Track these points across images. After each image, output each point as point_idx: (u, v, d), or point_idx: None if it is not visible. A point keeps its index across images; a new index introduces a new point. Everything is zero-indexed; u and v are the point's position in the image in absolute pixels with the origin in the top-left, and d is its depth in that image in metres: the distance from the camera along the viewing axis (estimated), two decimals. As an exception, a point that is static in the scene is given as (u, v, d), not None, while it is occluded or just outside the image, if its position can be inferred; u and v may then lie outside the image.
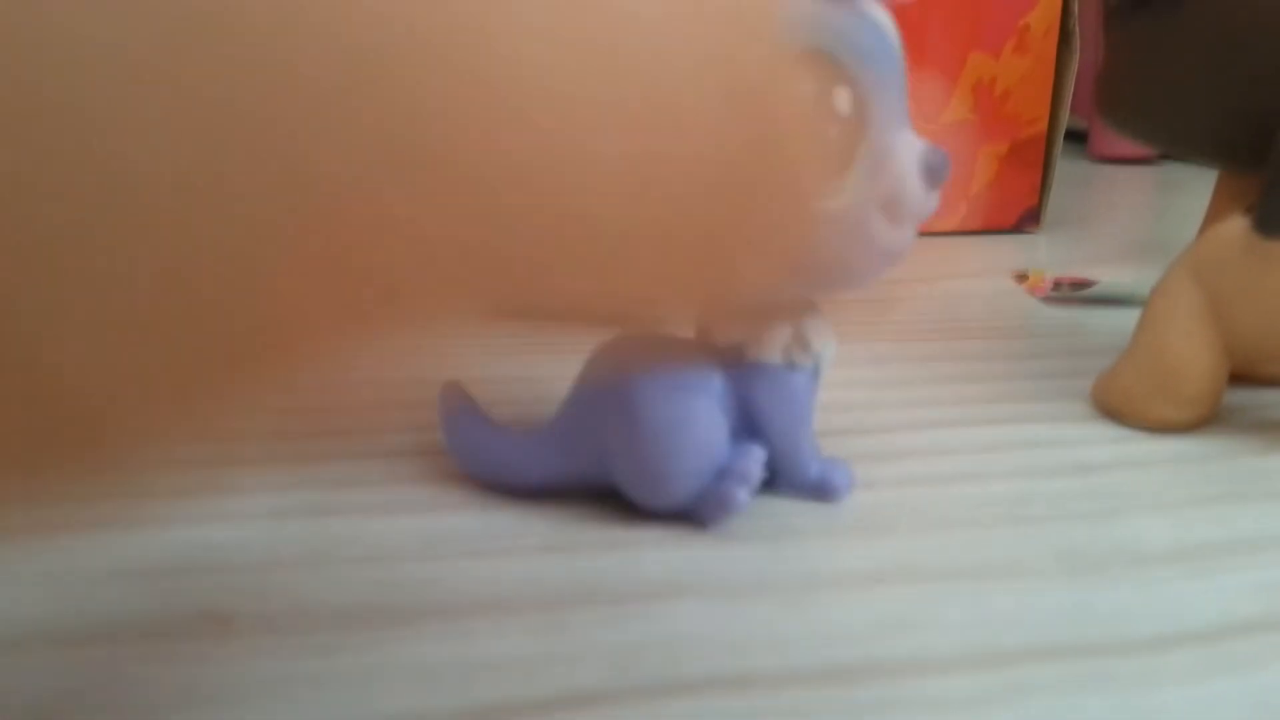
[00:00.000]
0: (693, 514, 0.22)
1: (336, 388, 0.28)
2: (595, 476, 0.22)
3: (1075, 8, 0.51)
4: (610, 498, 0.22)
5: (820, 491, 0.23)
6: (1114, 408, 0.27)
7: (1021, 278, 0.43)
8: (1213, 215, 0.30)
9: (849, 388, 0.30)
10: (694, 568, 0.20)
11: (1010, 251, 0.49)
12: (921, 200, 0.20)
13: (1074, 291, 0.40)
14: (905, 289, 0.42)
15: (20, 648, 0.18)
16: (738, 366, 0.22)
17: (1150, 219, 0.60)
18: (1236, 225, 0.25)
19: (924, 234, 0.52)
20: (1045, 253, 0.49)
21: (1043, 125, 0.52)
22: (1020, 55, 0.51)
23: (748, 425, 0.22)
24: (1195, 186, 0.66)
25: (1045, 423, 0.28)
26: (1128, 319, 0.34)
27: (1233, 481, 0.24)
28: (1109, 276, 0.42)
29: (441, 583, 0.20)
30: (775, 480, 0.23)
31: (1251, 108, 0.25)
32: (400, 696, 0.16)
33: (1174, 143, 0.28)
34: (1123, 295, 0.39)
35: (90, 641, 0.18)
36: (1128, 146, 0.75)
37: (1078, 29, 0.51)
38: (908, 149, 0.20)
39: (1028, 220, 0.53)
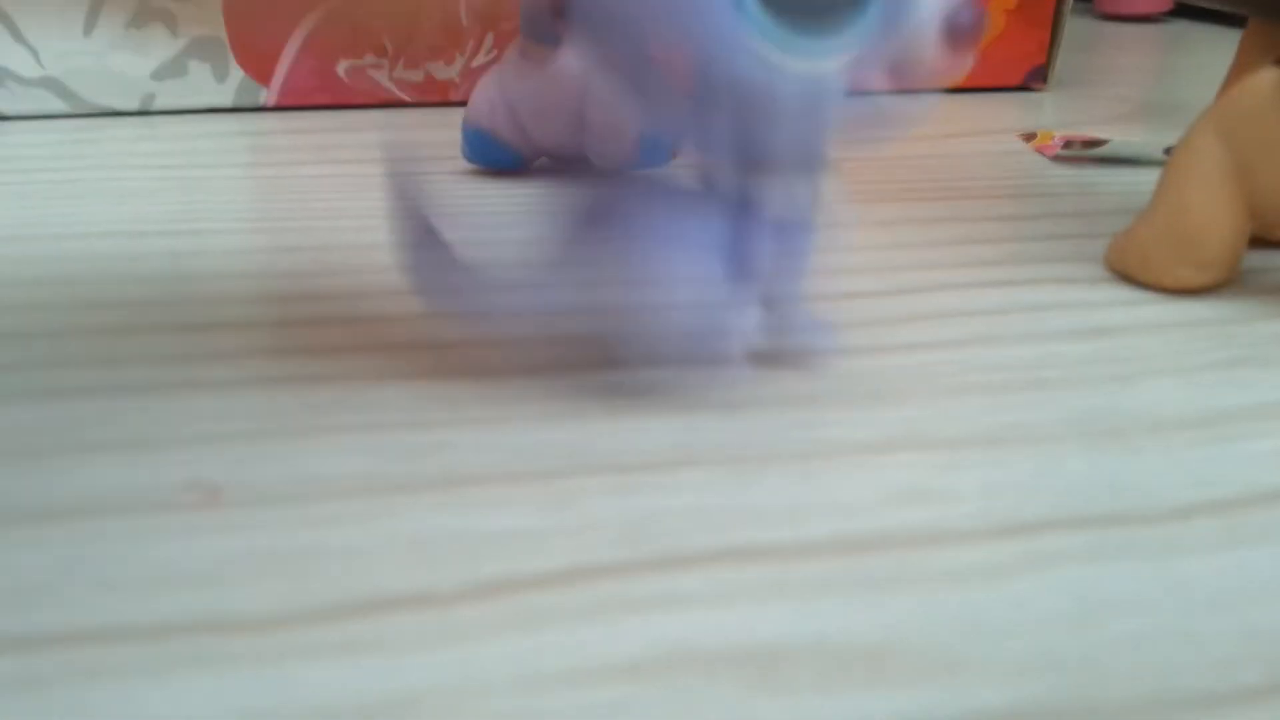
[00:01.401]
0: (686, 350, 0.21)
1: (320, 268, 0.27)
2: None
3: None
4: (610, 368, 0.21)
5: (808, 345, 0.22)
6: (1130, 269, 0.26)
7: (1029, 137, 0.41)
8: (1239, 68, 0.28)
9: (856, 251, 0.29)
10: (701, 438, 0.20)
11: (1017, 109, 0.48)
12: (938, 63, 0.19)
13: (1084, 150, 0.38)
14: (909, 147, 0.40)
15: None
16: (739, 217, 0.20)
17: (1159, 77, 0.58)
18: (1268, 76, 0.24)
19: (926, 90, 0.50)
20: (1053, 111, 0.48)
21: (1052, -23, 0.50)
22: (1031, -98, 0.49)
23: (744, 273, 0.21)
24: (1203, 45, 0.64)
25: (1058, 285, 0.27)
26: (1140, 179, 0.33)
27: (1253, 345, 0.23)
28: (1119, 135, 0.40)
29: (439, 453, 0.19)
30: (768, 324, 0.22)
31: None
32: (402, 572, 0.16)
33: None
34: (1134, 154, 0.37)
35: (73, 515, 0.17)
36: (1136, 3, 0.73)
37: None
38: (933, 6, 0.18)
39: (1034, 78, 0.51)
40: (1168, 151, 0.26)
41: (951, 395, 0.21)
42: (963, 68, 0.19)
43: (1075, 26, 0.70)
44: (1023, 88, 0.52)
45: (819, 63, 0.18)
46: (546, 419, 0.20)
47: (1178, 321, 0.25)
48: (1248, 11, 0.27)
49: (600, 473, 0.18)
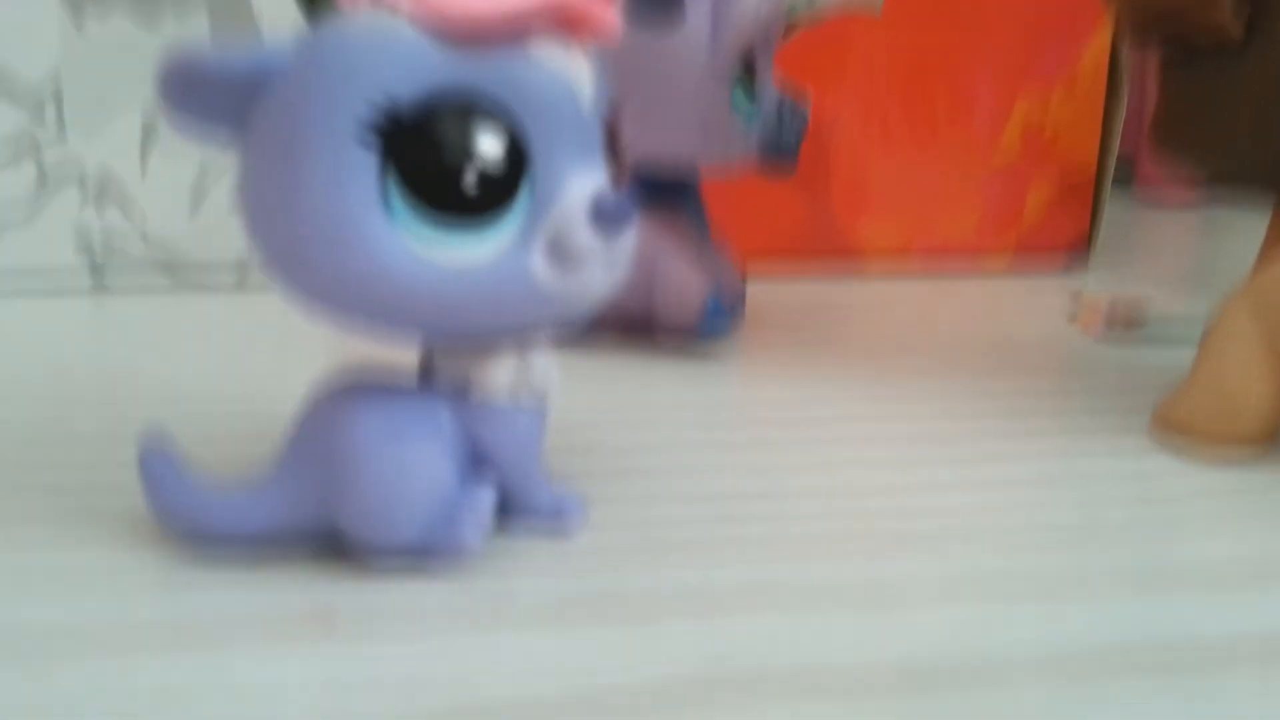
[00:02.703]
0: (425, 556, 0.21)
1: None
2: (317, 523, 0.21)
3: (1123, 53, 0.51)
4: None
5: (554, 519, 0.23)
6: (1174, 440, 0.28)
7: (1076, 298, 0.43)
8: (1267, 251, 0.30)
9: (910, 420, 0.31)
10: (771, 579, 0.21)
11: (1060, 290, 0.50)
12: (594, 247, 0.19)
13: (1127, 331, 0.40)
14: (958, 325, 0.42)
15: None
16: (461, 404, 0.21)
17: (1198, 259, 0.60)
18: (1294, 260, 0.26)
19: (974, 273, 0.53)
20: (1094, 291, 0.50)
21: (1091, 167, 0.53)
22: (1069, 98, 0.52)
23: (477, 460, 0.22)
24: (1240, 228, 0.67)
25: (1105, 456, 0.28)
26: (1182, 356, 0.35)
27: (1294, 509, 0.25)
28: (1159, 311, 0.42)
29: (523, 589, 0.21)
30: (508, 512, 0.23)
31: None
32: (508, 683, 0.17)
33: (1233, 181, 0.28)
34: (1175, 334, 0.39)
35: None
36: (1173, 189, 0.76)
37: (1126, 73, 0.52)
38: (577, 192, 0.19)
39: (1077, 260, 0.54)
40: (1207, 327, 0.28)
41: (1005, 552, 0.23)
42: (621, 251, 0.20)
43: (1116, 210, 0.73)
44: (1065, 269, 0.54)
45: (473, 251, 0.19)
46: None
47: (1221, 488, 0.26)
48: (1265, 201, 0.29)
49: (678, 612, 0.20)
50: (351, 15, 0.19)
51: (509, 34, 0.19)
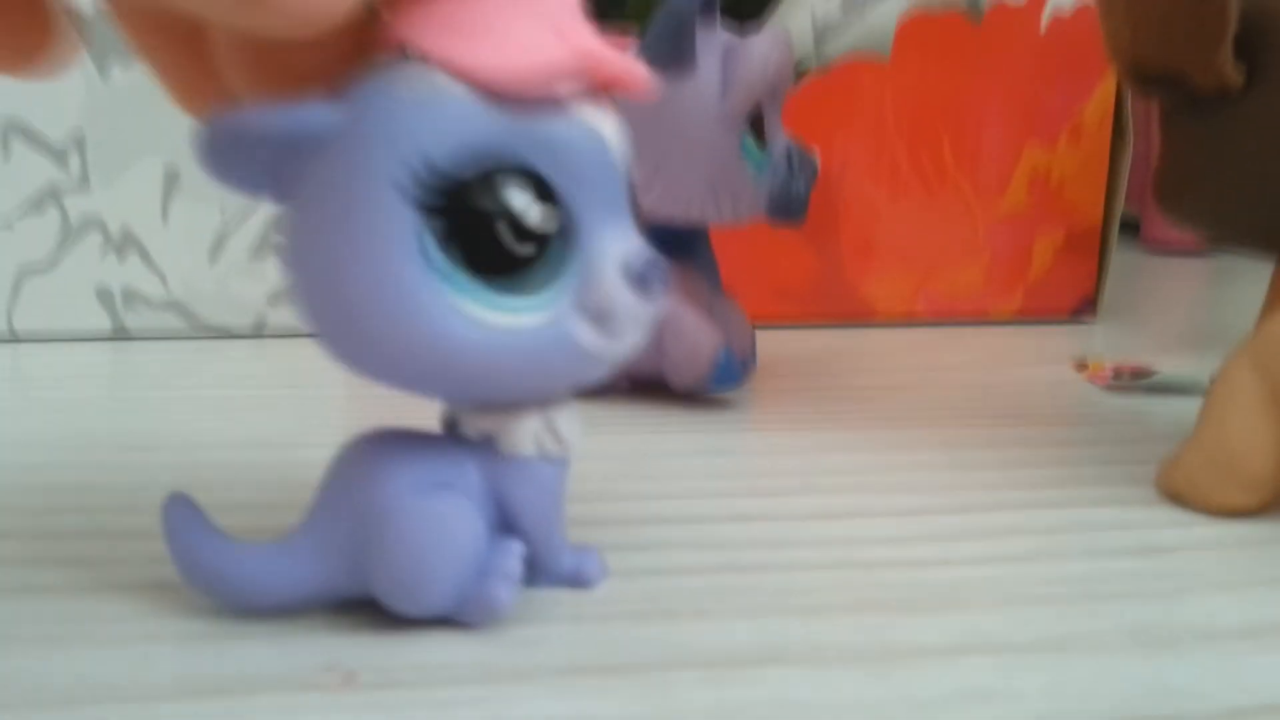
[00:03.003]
0: (455, 617, 0.21)
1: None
2: (350, 588, 0.21)
3: (1128, 100, 0.52)
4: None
5: (575, 581, 0.23)
6: (1179, 493, 0.28)
7: (1081, 366, 0.44)
8: (1271, 304, 0.31)
9: (918, 470, 0.31)
10: (784, 639, 0.21)
11: (1068, 339, 0.50)
12: (632, 308, 0.20)
13: (1134, 380, 0.41)
14: (965, 374, 0.43)
15: None
16: (489, 459, 0.21)
17: (1205, 308, 0.61)
18: (1296, 316, 0.26)
19: (982, 323, 0.53)
20: (1102, 341, 0.50)
21: (1098, 215, 0.53)
22: (1075, 146, 0.53)
23: (502, 518, 0.22)
24: (1248, 276, 0.67)
25: (1111, 506, 0.29)
26: (1189, 407, 0.35)
27: (1299, 564, 0.25)
28: (1168, 365, 0.43)
29: (544, 645, 0.21)
30: (529, 573, 0.22)
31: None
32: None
33: (1234, 234, 0.29)
34: (1183, 384, 0.40)
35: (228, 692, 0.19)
36: (1180, 236, 0.76)
37: (1131, 121, 0.52)
38: (613, 256, 0.20)
39: (1084, 309, 0.54)
40: (1213, 381, 0.28)
41: (1013, 605, 0.23)
42: (654, 314, 0.20)
43: (1123, 258, 0.73)
44: (1073, 318, 0.54)
45: (524, 316, 0.19)
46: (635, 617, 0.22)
47: (1226, 542, 0.26)
48: (1267, 254, 0.30)
49: (691, 667, 0.20)
50: (391, 72, 0.19)
51: (545, 91, 0.19)
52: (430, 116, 0.18)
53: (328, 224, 0.19)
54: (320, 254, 0.19)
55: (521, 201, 0.19)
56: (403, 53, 0.19)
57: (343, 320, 0.19)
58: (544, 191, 0.19)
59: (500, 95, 0.19)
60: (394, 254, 0.18)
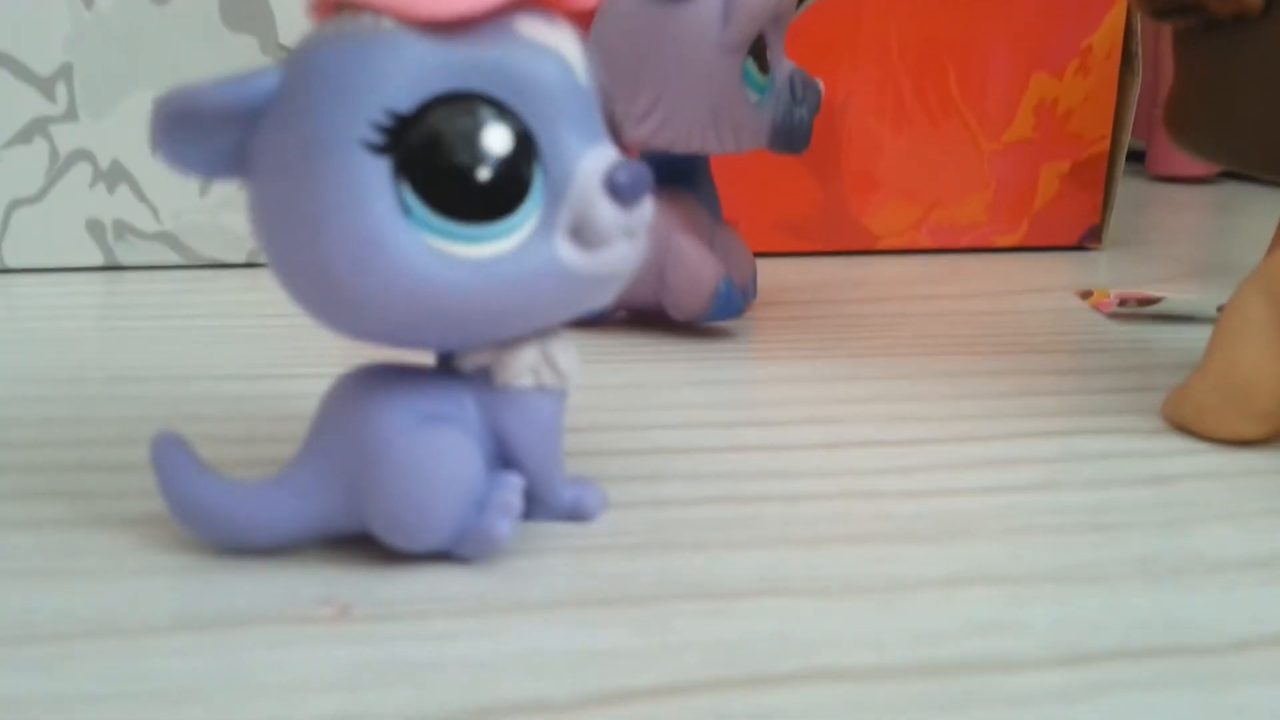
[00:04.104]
0: (453, 551, 0.21)
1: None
2: (345, 524, 0.21)
3: (1138, 30, 0.51)
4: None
5: (574, 515, 0.23)
6: (1186, 422, 0.28)
7: (1086, 294, 0.43)
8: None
9: (922, 400, 0.31)
10: (786, 571, 0.21)
11: (1073, 268, 0.50)
12: (614, 219, 0.19)
13: (1140, 308, 0.40)
14: (969, 303, 0.42)
15: None
16: (486, 392, 0.21)
17: (1210, 237, 0.60)
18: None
19: (986, 250, 0.52)
20: (1107, 270, 0.50)
21: (1105, 145, 0.53)
22: (1082, 76, 0.52)
23: (500, 452, 0.21)
24: (1254, 206, 0.66)
25: (1118, 435, 0.28)
26: (1195, 335, 0.35)
27: (1307, 493, 0.25)
28: (1173, 294, 0.42)
29: (543, 576, 0.21)
30: (528, 512, 0.22)
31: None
32: (519, 683, 0.17)
33: (1248, 161, 0.28)
34: (1189, 312, 0.39)
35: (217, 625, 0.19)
36: (1186, 165, 0.76)
37: (1140, 51, 0.51)
38: (590, 169, 0.19)
39: (1090, 238, 0.54)
40: (1220, 309, 0.28)
41: (1018, 535, 0.23)
42: (641, 221, 0.20)
43: (1128, 187, 0.72)
44: (1078, 247, 0.54)
45: (498, 244, 0.19)
46: (630, 550, 0.22)
47: (1233, 470, 0.26)
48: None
49: (690, 599, 0.20)
50: (331, 26, 0.19)
51: (491, 17, 0.18)
52: (383, 62, 0.18)
53: (290, 187, 0.18)
54: (287, 218, 0.18)
55: (477, 128, 0.18)
56: (337, 8, 0.19)
57: (320, 281, 0.19)
58: (501, 116, 0.19)
59: (449, 31, 0.18)
60: (364, 205, 0.18)
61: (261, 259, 0.45)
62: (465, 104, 0.18)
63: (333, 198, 0.18)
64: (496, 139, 0.18)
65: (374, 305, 0.19)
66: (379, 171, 0.18)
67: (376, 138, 0.18)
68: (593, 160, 0.19)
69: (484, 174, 0.18)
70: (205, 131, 0.18)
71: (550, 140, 0.19)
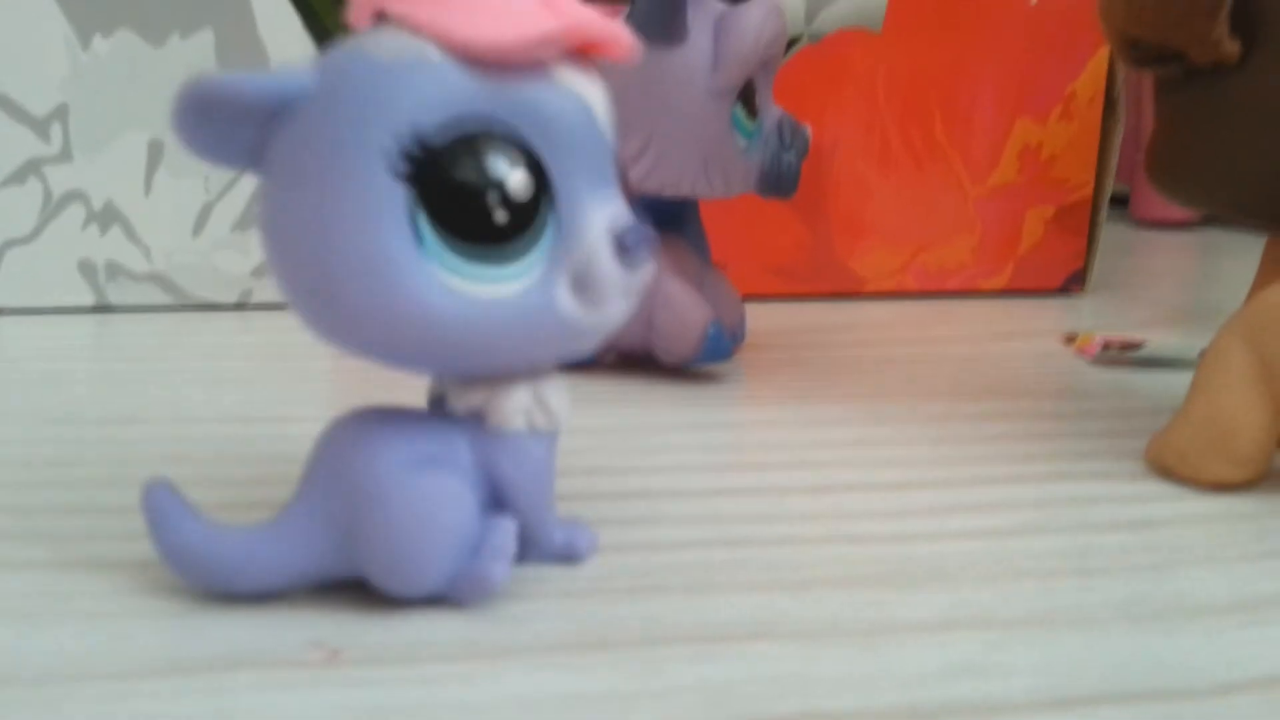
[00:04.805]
0: (447, 595, 0.21)
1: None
2: (337, 570, 0.21)
3: (1120, 75, 0.52)
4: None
5: (565, 556, 0.23)
6: (1169, 467, 0.28)
7: (1070, 339, 0.44)
8: (1262, 278, 0.31)
9: (908, 444, 0.31)
10: (774, 614, 0.21)
11: (1057, 313, 0.50)
12: (615, 278, 0.20)
13: (1123, 353, 0.40)
14: (955, 348, 0.43)
15: None
16: (478, 435, 0.21)
17: (1193, 282, 0.61)
18: (1288, 289, 0.26)
19: (971, 294, 0.53)
20: (1091, 315, 0.50)
21: (1088, 189, 0.53)
22: (1066, 121, 0.52)
23: (493, 494, 0.21)
24: (1237, 250, 0.67)
25: (1101, 480, 0.28)
26: (1177, 380, 0.35)
27: (1287, 538, 0.25)
28: (1156, 339, 0.42)
29: (532, 621, 0.21)
30: (520, 548, 0.22)
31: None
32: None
33: (1228, 208, 0.28)
34: (1171, 357, 0.40)
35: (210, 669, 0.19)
36: (1169, 210, 0.76)
37: (1123, 96, 0.52)
38: (601, 225, 0.19)
39: (1073, 282, 0.54)
40: (1202, 354, 0.28)
41: (1002, 579, 0.23)
42: (640, 279, 0.20)
43: (1112, 232, 0.73)
44: (1062, 291, 0.54)
45: (504, 285, 0.19)
46: (624, 593, 0.22)
47: (1215, 515, 0.26)
48: (1261, 229, 0.30)
49: (681, 642, 0.20)
50: (370, 38, 0.19)
51: (530, 57, 0.19)
52: (418, 86, 0.18)
53: (308, 194, 0.18)
54: (300, 225, 0.18)
55: (503, 168, 0.18)
56: (379, 19, 0.19)
57: (322, 293, 0.19)
58: (525, 158, 0.19)
59: (487, 63, 0.18)
60: (379, 227, 0.18)
61: (252, 301, 0.46)
62: (493, 144, 0.18)
63: (349, 211, 0.18)
64: (519, 184, 0.19)
65: (370, 323, 0.19)
66: (398, 195, 0.18)
67: (403, 166, 0.18)
68: (605, 216, 0.19)
69: (501, 216, 0.19)
70: (226, 122, 0.18)
71: (567, 189, 0.19)
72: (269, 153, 0.19)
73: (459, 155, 0.18)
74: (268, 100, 0.18)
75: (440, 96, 0.18)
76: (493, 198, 0.18)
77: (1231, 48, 0.26)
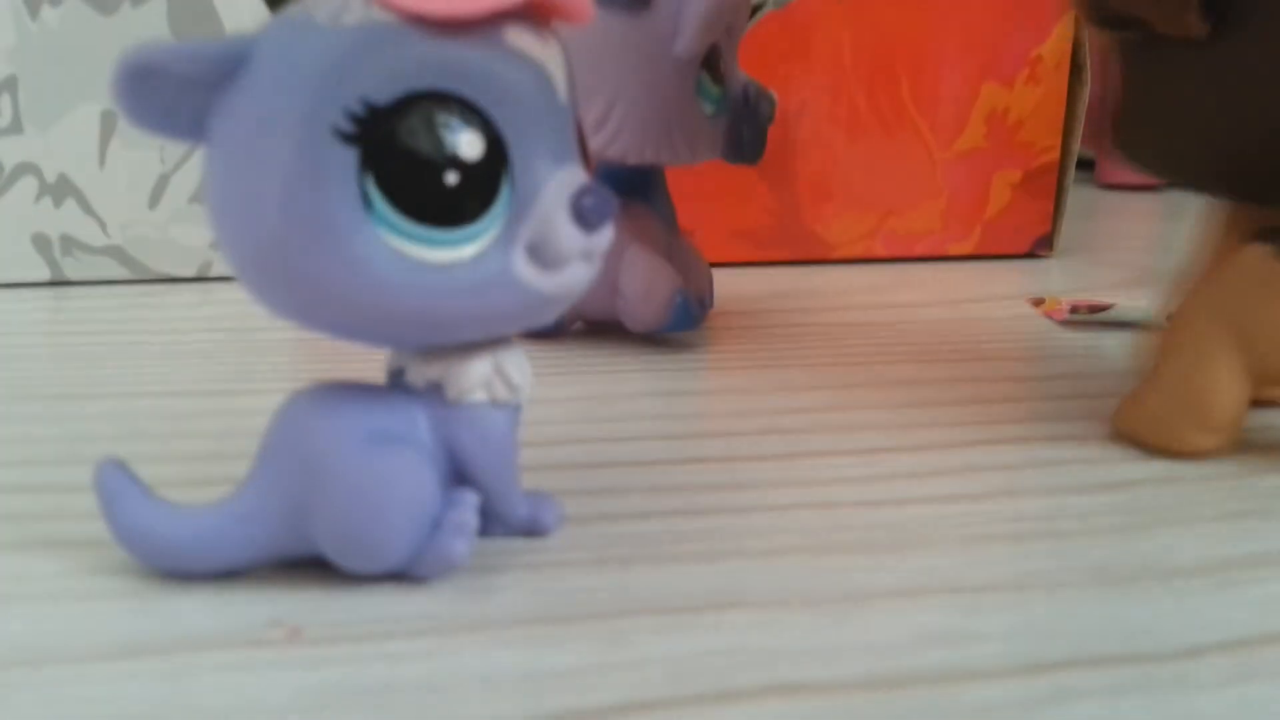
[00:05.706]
0: (409, 571, 0.21)
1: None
2: (295, 549, 0.20)
3: (1086, 40, 0.52)
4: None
5: (531, 530, 0.23)
6: (1141, 435, 0.28)
7: (1038, 302, 0.43)
8: (1222, 244, 0.30)
9: (877, 409, 0.31)
10: (741, 583, 0.21)
11: (1024, 277, 0.50)
12: (574, 241, 0.19)
13: (1091, 315, 0.40)
14: (923, 312, 0.43)
15: None
16: (438, 408, 0.21)
17: (1159, 244, 0.61)
18: (1254, 254, 0.26)
19: (939, 259, 0.53)
20: (1058, 278, 0.50)
21: (1055, 154, 0.53)
22: (1033, 86, 0.52)
23: (454, 469, 0.21)
24: (1199, 212, 0.67)
25: (1071, 443, 0.28)
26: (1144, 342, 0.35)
27: (1257, 499, 0.25)
28: (1124, 301, 0.43)
29: (500, 594, 0.20)
30: (485, 527, 0.22)
31: (1272, 144, 0.25)
32: (473, 706, 0.17)
33: (1186, 178, 0.28)
34: (1138, 319, 0.40)
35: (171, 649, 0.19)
36: (1135, 174, 0.76)
37: (1089, 61, 0.52)
38: (557, 189, 0.19)
39: (1040, 246, 0.54)
40: (1167, 319, 0.28)
41: (973, 544, 0.23)
42: (600, 246, 0.20)
43: (1078, 196, 0.73)
44: (1029, 255, 0.54)
45: (455, 251, 0.18)
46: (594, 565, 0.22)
47: (1186, 477, 0.26)
48: (1224, 197, 0.29)
49: (648, 614, 0.20)
50: (316, 3, 0.18)
51: (484, 22, 0.18)
52: (367, 53, 0.17)
53: (251, 163, 0.18)
54: (243, 195, 0.18)
55: (450, 128, 0.18)
56: None
57: (270, 264, 0.18)
58: (478, 120, 0.18)
59: (436, 28, 0.18)
60: (324, 192, 0.17)
61: (212, 273, 0.45)
62: (442, 104, 0.18)
63: (293, 177, 0.17)
64: (469, 144, 0.18)
65: (318, 293, 0.18)
66: (345, 159, 0.17)
67: (348, 126, 0.17)
68: (561, 181, 0.19)
69: (452, 178, 0.18)
70: (168, 93, 0.18)
71: (522, 154, 0.19)
72: (212, 122, 0.18)
73: (407, 118, 0.18)
74: (210, 69, 0.18)
75: (389, 61, 0.17)
76: (442, 160, 0.18)
77: (1200, 27, 0.26)
